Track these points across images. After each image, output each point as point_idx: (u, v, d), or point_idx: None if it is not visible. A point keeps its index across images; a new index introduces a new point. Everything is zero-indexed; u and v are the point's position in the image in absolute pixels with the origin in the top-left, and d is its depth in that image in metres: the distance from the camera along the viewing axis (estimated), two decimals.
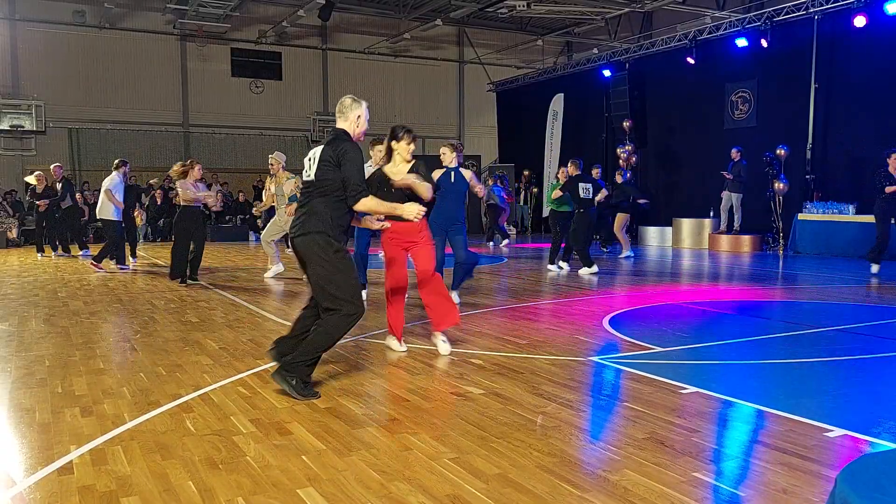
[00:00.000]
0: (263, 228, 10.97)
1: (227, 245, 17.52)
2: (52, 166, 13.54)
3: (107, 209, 11.00)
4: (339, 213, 4.21)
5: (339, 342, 4.36)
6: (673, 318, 6.94)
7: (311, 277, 4.21)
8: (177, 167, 9.34)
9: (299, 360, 4.15)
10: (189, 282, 9.52)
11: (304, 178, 4.36)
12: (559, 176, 11.55)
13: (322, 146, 4.33)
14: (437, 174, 7.44)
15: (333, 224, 4.17)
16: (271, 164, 10.14)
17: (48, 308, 7.68)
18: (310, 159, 4.36)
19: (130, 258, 12.33)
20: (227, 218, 20.25)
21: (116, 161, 11.39)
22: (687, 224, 15.81)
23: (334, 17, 21.13)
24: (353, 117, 4.40)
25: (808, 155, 13.85)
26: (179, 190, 9.46)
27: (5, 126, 19.60)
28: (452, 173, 7.34)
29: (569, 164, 10.62)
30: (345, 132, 4.37)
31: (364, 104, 4.46)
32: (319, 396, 4.19)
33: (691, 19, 19.04)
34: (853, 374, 4.77)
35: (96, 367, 5.01)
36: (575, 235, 10.56)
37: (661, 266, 12.08)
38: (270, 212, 11.06)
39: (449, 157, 7.32)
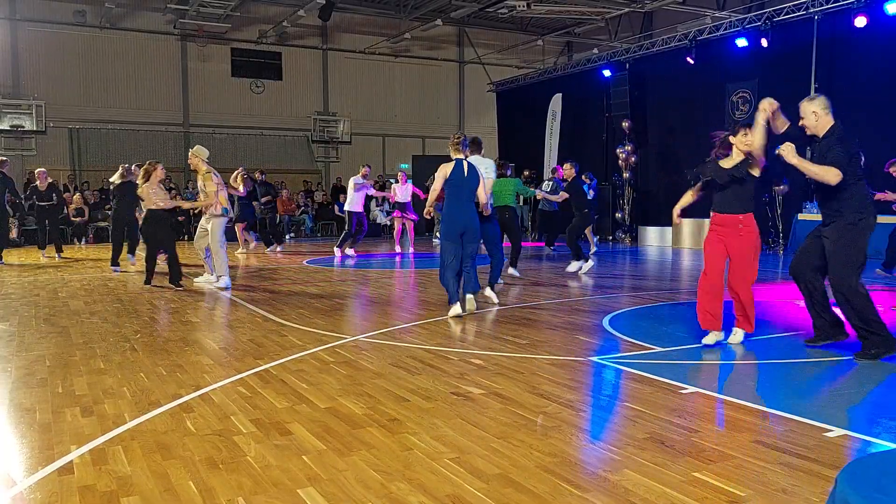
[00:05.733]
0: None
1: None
2: (37, 171, 13.64)
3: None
4: None
5: None
6: (673, 318, 6.94)
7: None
8: (140, 171, 9.20)
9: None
10: (177, 288, 9.08)
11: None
12: (563, 174, 11.16)
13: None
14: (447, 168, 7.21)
15: None
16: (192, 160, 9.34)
17: (49, 308, 7.68)
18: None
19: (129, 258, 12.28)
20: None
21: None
22: (687, 224, 15.78)
23: (334, 17, 21.12)
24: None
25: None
26: (143, 194, 9.20)
27: (5, 126, 19.58)
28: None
29: (568, 166, 10.56)
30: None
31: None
32: None
33: (691, 19, 19.03)
34: (853, 374, 4.77)
35: (97, 367, 5.01)
36: (575, 233, 10.53)
37: (660, 266, 12.09)
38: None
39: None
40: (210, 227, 9.10)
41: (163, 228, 9.29)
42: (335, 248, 13.71)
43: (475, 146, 7.85)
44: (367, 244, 15.97)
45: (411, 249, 14.22)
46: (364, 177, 13.61)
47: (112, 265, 11.26)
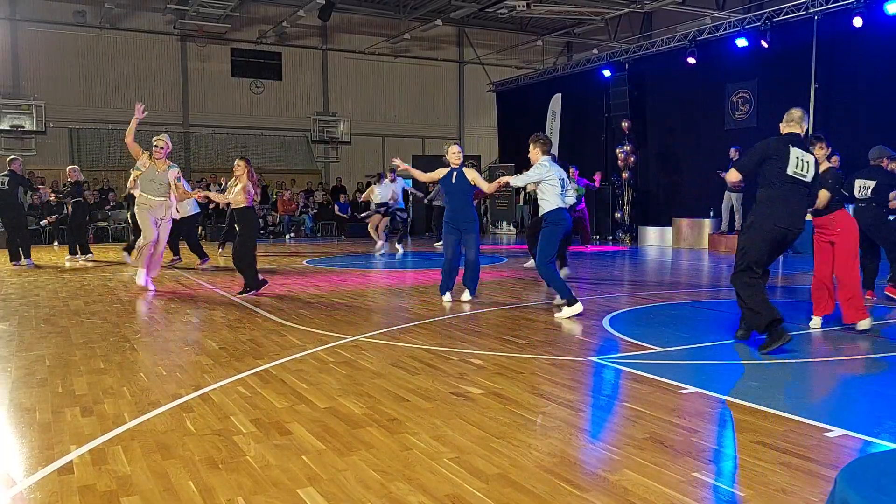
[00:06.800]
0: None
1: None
2: (68, 168, 13.54)
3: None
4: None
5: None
6: (673, 318, 6.94)
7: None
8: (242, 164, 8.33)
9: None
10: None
11: (800, 179, 5.23)
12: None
13: (806, 151, 5.34)
14: (441, 173, 7.70)
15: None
16: (160, 148, 8.83)
17: (48, 308, 7.68)
18: (807, 162, 5.28)
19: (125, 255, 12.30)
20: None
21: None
22: (687, 224, 15.81)
23: (334, 17, 21.13)
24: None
25: None
26: (240, 189, 8.28)
27: (5, 126, 19.59)
28: (454, 173, 7.70)
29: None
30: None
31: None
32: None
33: (691, 19, 19.04)
34: (853, 374, 4.77)
35: (97, 367, 5.01)
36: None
37: (660, 266, 12.09)
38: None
39: (455, 157, 7.71)
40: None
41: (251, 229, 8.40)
42: (397, 245, 14.53)
43: (544, 144, 7.28)
44: (366, 244, 15.96)
45: (379, 249, 14.07)
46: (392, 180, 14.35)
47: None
